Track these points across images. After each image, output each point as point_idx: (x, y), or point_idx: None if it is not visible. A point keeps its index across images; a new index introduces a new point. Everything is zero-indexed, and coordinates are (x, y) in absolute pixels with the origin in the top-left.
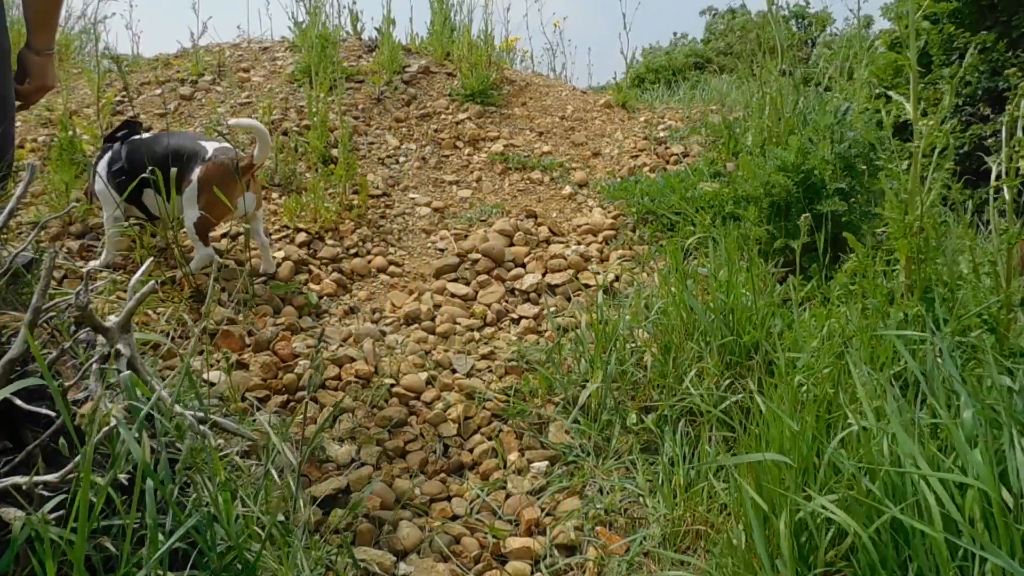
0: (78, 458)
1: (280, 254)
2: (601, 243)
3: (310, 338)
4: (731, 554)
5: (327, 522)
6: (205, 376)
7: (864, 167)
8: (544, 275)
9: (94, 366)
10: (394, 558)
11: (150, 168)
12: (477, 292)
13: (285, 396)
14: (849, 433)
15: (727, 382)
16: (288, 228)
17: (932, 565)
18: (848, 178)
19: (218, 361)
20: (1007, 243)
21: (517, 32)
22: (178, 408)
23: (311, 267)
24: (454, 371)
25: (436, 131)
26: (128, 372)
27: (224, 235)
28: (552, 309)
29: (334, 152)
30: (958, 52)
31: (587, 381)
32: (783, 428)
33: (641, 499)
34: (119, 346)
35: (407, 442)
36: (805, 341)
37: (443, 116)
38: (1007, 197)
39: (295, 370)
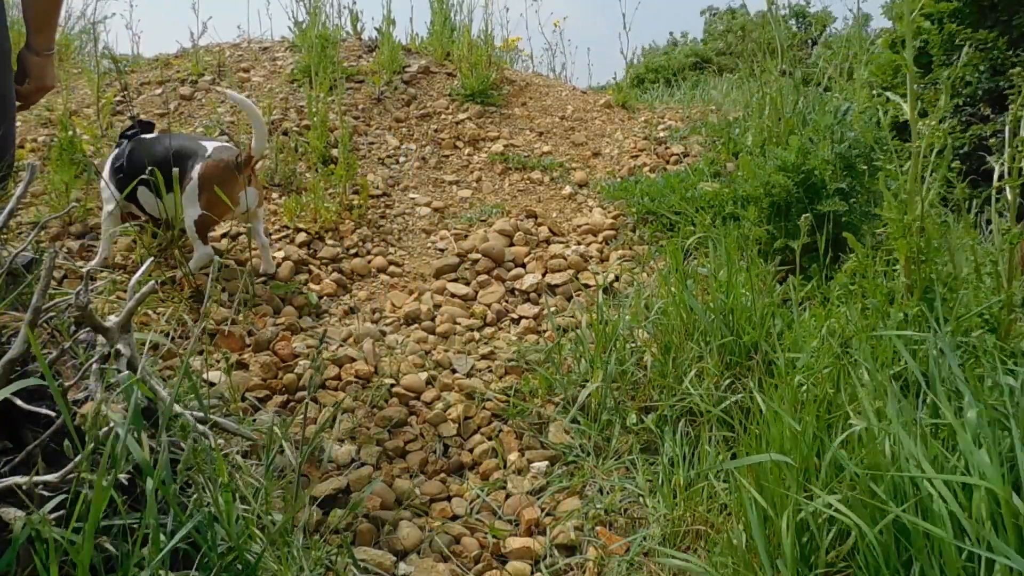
0: (79, 458)
1: (280, 254)
2: (601, 243)
3: (310, 338)
4: (731, 554)
5: (327, 522)
6: (205, 376)
7: (864, 167)
8: (544, 275)
9: (94, 366)
10: (394, 558)
11: (149, 168)
12: (477, 292)
13: (285, 396)
14: (851, 433)
15: (727, 382)
16: (288, 228)
17: (936, 566)
18: (848, 178)
19: (218, 361)
20: (1008, 243)
21: (516, 32)
22: (177, 408)
23: (311, 267)
24: (454, 371)
25: (436, 131)
26: (127, 372)
27: (224, 235)
28: (552, 309)
29: (334, 152)
30: (959, 51)
31: (587, 381)
32: (783, 428)
33: (641, 499)
34: (119, 346)
35: (407, 442)
36: (805, 341)
37: (443, 116)
38: (1009, 197)
39: (295, 370)
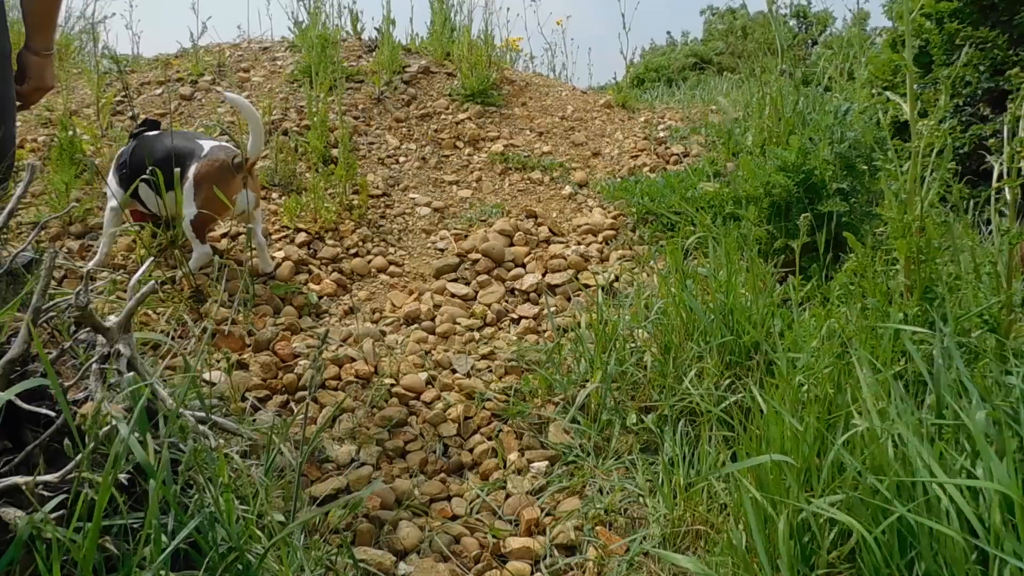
0: (79, 457)
1: (280, 254)
2: (601, 243)
3: (310, 338)
4: (731, 554)
5: (327, 522)
6: (205, 376)
7: (865, 167)
8: (544, 275)
9: (94, 366)
10: (394, 558)
11: (150, 168)
12: (477, 292)
13: (285, 396)
14: (854, 434)
15: (727, 382)
16: (288, 228)
17: (941, 567)
18: (849, 178)
19: (218, 361)
20: (1008, 243)
21: (516, 32)
22: (171, 403)
23: (311, 267)
24: (454, 371)
25: (436, 131)
26: (132, 374)
27: (224, 235)
28: (552, 309)
29: (334, 152)
30: (959, 51)
31: (587, 381)
32: (784, 428)
33: (641, 499)
34: (119, 346)
35: (407, 442)
36: (805, 341)
37: (443, 116)
38: (1008, 198)
39: (295, 370)
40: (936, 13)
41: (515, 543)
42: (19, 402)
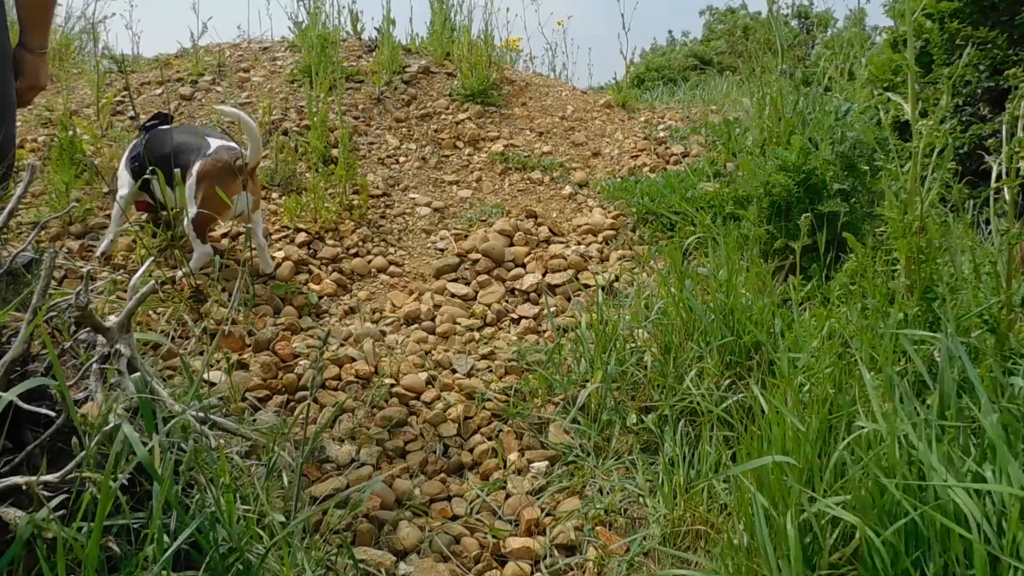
0: (79, 457)
1: (280, 254)
2: (601, 243)
3: (310, 338)
4: (732, 554)
5: (327, 522)
6: (205, 376)
7: (866, 167)
8: (544, 275)
9: (94, 366)
10: (394, 558)
11: (151, 166)
12: (477, 292)
13: (285, 396)
14: (859, 435)
15: (727, 382)
16: (288, 228)
17: (949, 570)
18: (850, 178)
19: (218, 361)
20: (1008, 243)
21: (516, 32)
22: (177, 407)
23: (311, 267)
24: (454, 371)
25: (436, 131)
26: (137, 374)
27: (224, 235)
28: (552, 309)
29: (334, 152)
30: (959, 51)
31: (587, 381)
32: (785, 428)
33: (641, 499)
34: (119, 346)
35: (407, 442)
36: (805, 341)
37: (443, 116)
38: (1008, 198)
39: (295, 370)
40: (937, 13)
41: (515, 543)
42: (19, 402)
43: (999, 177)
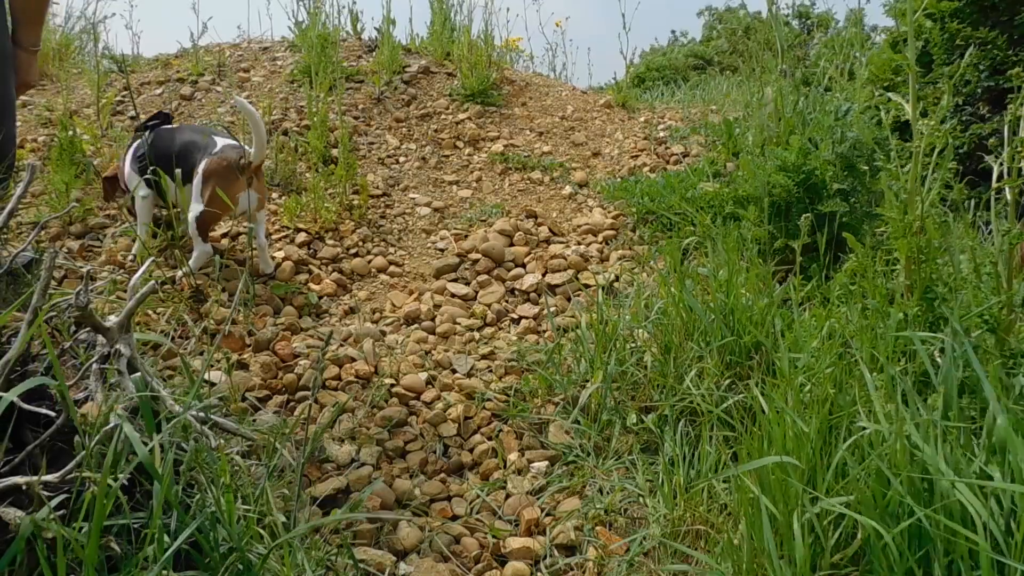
0: (79, 457)
1: (280, 254)
2: (601, 243)
3: (310, 338)
4: (732, 554)
5: (327, 522)
6: (206, 376)
7: (866, 167)
8: (544, 275)
9: (94, 366)
10: (394, 558)
11: (152, 165)
12: (477, 292)
13: (285, 396)
14: (862, 435)
15: (727, 382)
16: (288, 228)
17: (953, 570)
18: (850, 178)
19: (218, 361)
20: (1008, 243)
21: (516, 32)
22: (177, 408)
23: (311, 267)
24: (454, 371)
25: (436, 131)
26: (138, 374)
27: (224, 235)
28: (552, 309)
29: (334, 152)
30: (959, 51)
31: (587, 381)
32: (786, 429)
33: (641, 499)
34: (119, 346)
35: (407, 442)
36: (806, 341)
37: (443, 116)
38: (1008, 198)
39: (295, 370)
40: (938, 13)
41: (515, 543)
42: (20, 402)
43: (1000, 177)
